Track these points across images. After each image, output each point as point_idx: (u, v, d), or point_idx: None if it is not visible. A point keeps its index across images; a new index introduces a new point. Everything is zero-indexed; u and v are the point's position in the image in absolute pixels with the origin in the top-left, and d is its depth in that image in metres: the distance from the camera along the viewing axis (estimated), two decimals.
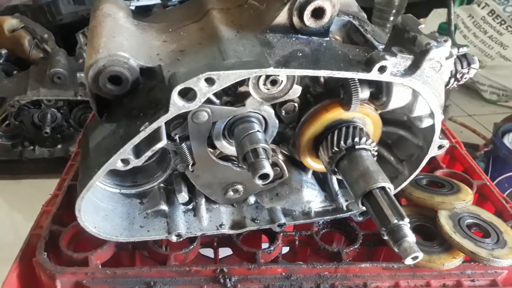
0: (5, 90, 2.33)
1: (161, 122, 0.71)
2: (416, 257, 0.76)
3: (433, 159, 1.36)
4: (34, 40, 2.62)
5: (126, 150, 0.73)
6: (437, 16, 3.67)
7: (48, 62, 2.38)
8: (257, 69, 0.70)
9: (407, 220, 0.78)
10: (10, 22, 2.67)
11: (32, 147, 2.55)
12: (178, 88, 0.68)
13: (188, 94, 0.71)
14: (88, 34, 0.82)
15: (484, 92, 3.78)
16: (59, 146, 2.57)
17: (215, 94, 0.84)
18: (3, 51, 2.66)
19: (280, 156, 1.04)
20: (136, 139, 0.72)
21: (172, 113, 0.70)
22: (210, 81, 0.69)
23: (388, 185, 0.83)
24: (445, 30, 3.41)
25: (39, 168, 2.53)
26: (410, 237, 0.77)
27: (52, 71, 2.27)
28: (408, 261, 0.76)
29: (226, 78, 0.69)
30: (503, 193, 2.19)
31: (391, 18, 3.45)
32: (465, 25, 3.78)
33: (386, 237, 0.79)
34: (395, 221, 0.78)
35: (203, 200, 1.01)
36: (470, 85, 3.84)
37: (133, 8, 3.04)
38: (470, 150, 2.75)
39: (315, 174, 1.12)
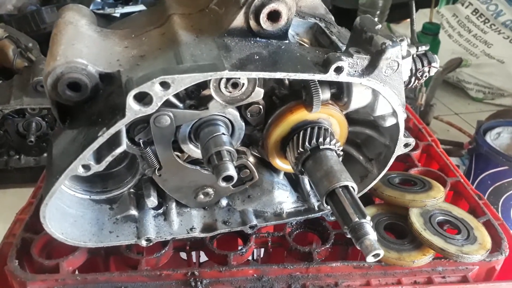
0: None
1: (118, 127, 0.72)
2: (377, 255, 0.76)
3: (408, 157, 1.38)
4: (18, 49, 2.61)
5: (86, 156, 0.74)
6: (422, 17, 3.70)
7: (32, 71, 2.38)
8: (211, 72, 0.71)
9: (368, 218, 0.79)
10: None
11: (17, 156, 2.54)
12: (133, 92, 0.69)
13: (145, 99, 0.71)
14: (50, 43, 0.82)
15: (470, 91, 3.81)
16: (45, 154, 2.56)
17: (179, 98, 0.85)
18: None
19: (251, 158, 1.05)
20: (95, 145, 0.73)
21: (129, 117, 0.71)
22: (165, 85, 0.70)
23: (351, 184, 0.84)
24: (430, 29, 3.45)
25: (25, 177, 2.52)
26: (371, 235, 0.77)
27: (35, 80, 2.27)
28: (370, 258, 0.76)
29: (181, 82, 0.70)
30: (486, 190, 2.22)
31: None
32: (450, 25, 3.82)
33: (348, 235, 0.80)
34: (357, 219, 0.78)
35: (174, 204, 1.01)
36: (456, 83, 3.88)
37: (117, 15, 3.05)
38: (455, 149, 2.78)
39: (288, 175, 1.12)
